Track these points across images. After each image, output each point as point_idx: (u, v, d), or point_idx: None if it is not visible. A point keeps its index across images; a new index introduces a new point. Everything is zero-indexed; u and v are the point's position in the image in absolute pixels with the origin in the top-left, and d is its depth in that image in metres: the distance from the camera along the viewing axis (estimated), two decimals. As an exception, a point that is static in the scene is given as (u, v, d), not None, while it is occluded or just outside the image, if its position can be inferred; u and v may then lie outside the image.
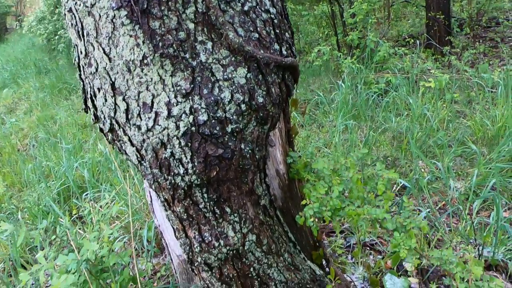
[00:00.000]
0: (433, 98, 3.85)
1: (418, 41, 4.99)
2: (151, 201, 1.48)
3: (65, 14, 1.15)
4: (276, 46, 1.14)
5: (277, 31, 1.15)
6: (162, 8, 1.00)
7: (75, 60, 1.23)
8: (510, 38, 5.62)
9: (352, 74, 4.52)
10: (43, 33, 9.69)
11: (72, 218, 2.54)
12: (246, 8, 1.08)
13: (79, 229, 2.28)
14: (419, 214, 2.17)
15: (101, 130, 1.23)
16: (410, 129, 3.31)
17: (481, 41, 5.59)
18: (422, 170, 2.78)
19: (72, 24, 1.11)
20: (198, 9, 1.03)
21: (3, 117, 6.69)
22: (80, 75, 1.21)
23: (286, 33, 1.21)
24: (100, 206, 2.19)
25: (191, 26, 1.03)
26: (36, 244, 2.25)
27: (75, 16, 1.09)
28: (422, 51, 5.11)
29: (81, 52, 1.14)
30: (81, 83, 1.22)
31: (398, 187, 2.65)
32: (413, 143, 2.91)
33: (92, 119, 1.24)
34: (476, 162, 2.82)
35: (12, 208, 3.17)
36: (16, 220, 2.91)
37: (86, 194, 2.82)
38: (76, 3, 1.06)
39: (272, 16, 1.14)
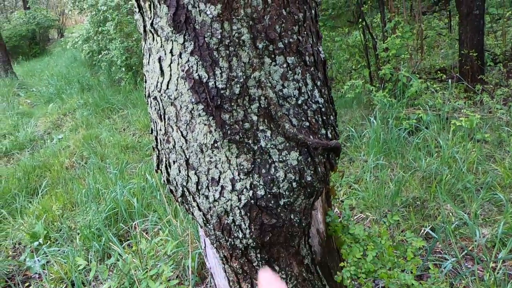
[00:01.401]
0: (463, 138, 3.95)
1: (450, 80, 5.09)
2: (205, 247, 1.70)
3: (148, 97, 1.39)
4: (323, 131, 1.35)
5: (324, 118, 1.36)
6: (232, 104, 1.23)
7: (152, 132, 1.47)
8: (545, 75, 5.63)
9: (384, 110, 4.67)
10: (87, 51, 10.26)
11: (123, 245, 2.79)
12: (299, 101, 1.30)
13: (131, 255, 2.53)
14: (445, 264, 2.31)
15: (171, 191, 1.46)
16: (440, 170, 3.43)
17: (514, 77, 5.63)
18: (450, 214, 2.90)
19: (155, 108, 1.35)
20: (261, 105, 1.25)
21: (50, 131, 7.15)
22: (156, 145, 1.45)
23: (331, 117, 1.41)
24: (150, 236, 2.44)
25: (255, 118, 1.25)
26: (91, 267, 2.51)
27: (159, 103, 1.33)
28: (454, 87, 5.20)
29: (160, 129, 1.38)
30: (157, 152, 1.46)
31: (426, 230, 2.78)
32: (440, 189, 3.04)
33: (164, 181, 1.48)
34: (504, 208, 2.92)
35: (65, 227, 3.48)
36: (70, 240, 3.20)
37: (135, 222, 3.08)
38: (161, 94, 1.30)
39: (320, 105, 1.35)
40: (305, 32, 1.31)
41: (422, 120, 4.41)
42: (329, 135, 1.38)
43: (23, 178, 4.79)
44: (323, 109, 1.36)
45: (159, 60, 1.29)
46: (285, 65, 1.26)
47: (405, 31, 5.31)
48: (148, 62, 1.37)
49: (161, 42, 1.26)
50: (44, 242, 3.32)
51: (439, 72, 5.48)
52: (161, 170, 1.49)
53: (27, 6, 20.95)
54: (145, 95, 1.44)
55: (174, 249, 2.34)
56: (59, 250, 3.12)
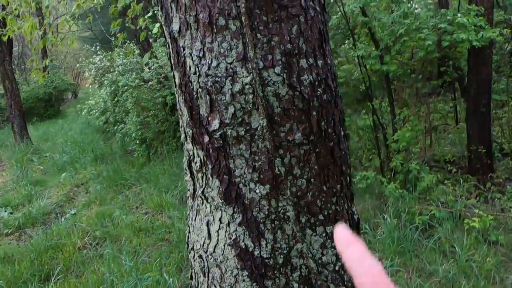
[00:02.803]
0: (477, 239, 3.98)
1: (459, 173, 5.21)
2: None
3: (192, 250, 1.49)
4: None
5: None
6: (275, 272, 1.32)
7: (192, 279, 1.55)
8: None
9: (396, 203, 4.74)
10: (103, 120, 10.61)
11: None
12: (337, 267, 1.38)
13: None
14: None
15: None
16: (457, 277, 3.43)
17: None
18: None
19: (200, 265, 1.44)
20: (302, 273, 1.33)
21: (63, 204, 7.23)
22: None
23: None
24: None
25: (296, 285, 1.33)
26: None
27: (204, 262, 1.42)
28: (464, 179, 5.31)
29: (202, 283, 1.46)
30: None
31: None
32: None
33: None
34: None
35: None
36: None
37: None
38: (207, 255, 1.39)
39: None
40: (341, 201, 1.42)
41: (435, 217, 4.46)
42: None
43: (35, 259, 4.80)
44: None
45: (207, 223, 1.39)
46: (324, 235, 1.36)
47: (414, 124, 5.52)
48: (194, 219, 1.47)
49: (211, 209, 1.38)
50: None
51: (448, 164, 5.61)
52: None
53: (47, 70, 21.91)
54: (188, 247, 1.53)
55: None
56: None
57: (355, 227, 1.48)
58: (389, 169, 5.64)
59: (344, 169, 1.42)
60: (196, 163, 1.38)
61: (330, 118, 1.34)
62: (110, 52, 10.23)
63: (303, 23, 1.24)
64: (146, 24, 3.95)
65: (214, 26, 1.20)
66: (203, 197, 1.39)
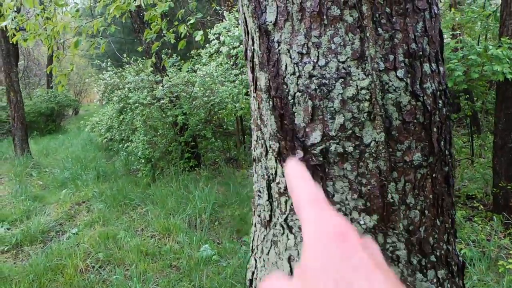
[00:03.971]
0: (516, 284, 3.69)
1: (489, 212, 4.95)
2: None
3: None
4: None
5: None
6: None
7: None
8: None
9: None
10: (107, 137, 10.35)
11: None
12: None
13: None
14: None
15: None
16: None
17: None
18: None
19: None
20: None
21: (63, 222, 6.88)
22: None
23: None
24: None
25: None
26: None
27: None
28: (491, 219, 5.05)
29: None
30: None
31: None
32: None
33: None
34: None
35: None
36: None
37: None
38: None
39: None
40: (452, 239, 1.17)
41: (466, 256, 4.18)
42: None
43: (33, 280, 4.46)
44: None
45: (289, 259, 1.13)
46: (435, 280, 1.10)
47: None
48: (268, 253, 1.21)
49: (295, 241, 1.12)
50: None
51: (474, 201, 5.36)
52: None
53: (51, 85, 21.83)
54: (251, 285, 1.26)
55: None
56: None
57: (461, 271, 1.23)
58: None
59: (453, 200, 1.18)
60: (279, 184, 1.13)
61: (447, 137, 1.10)
62: (121, 69, 10.08)
63: (427, 20, 1.02)
64: (186, 32, 3.76)
65: (325, 17, 0.98)
66: (285, 226, 1.13)
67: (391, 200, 1.02)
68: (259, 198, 1.23)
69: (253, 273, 1.28)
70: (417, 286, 1.08)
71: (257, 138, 1.21)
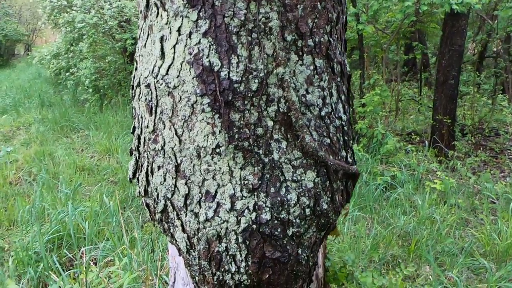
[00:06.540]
0: (437, 201, 3.87)
1: (426, 141, 5.12)
2: (174, 283, 1.39)
3: (137, 86, 1.14)
4: (343, 153, 1.14)
5: (346, 138, 1.16)
6: (246, 102, 1.00)
7: (134, 131, 1.20)
8: (509, 151, 5.80)
9: (359, 163, 4.57)
10: (54, 68, 9.80)
11: (65, 273, 2.38)
12: (323, 113, 1.08)
13: (74, 286, 2.13)
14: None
15: (147, 205, 1.17)
16: (417, 230, 3.29)
17: (481, 149, 5.77)
18: (430, 277, 2.72)
19: (145, 98, 1.10)
20: (280, 108, 1.03)
21: (-2, 144, 6.55)
22: (137, 146, 1.18)
23: (351, 141, 1.21)
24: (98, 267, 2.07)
25: (270, 123, 1.02)
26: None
27: (151, 92, 1.08)
28: (426, 150, 5.24)
29: (147, 126, 1.12)
30: (137, 154, 1.19)
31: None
32: (418, 249, 2.87)
33: (139, 192, 1.19)
34: (483, 276, 2.77)
35: (-4, 248, 2.99)
36: (1, 263, 2.73)
37: (82, 249, 2.67)
38: (157, 81, 1.05)
39: (343, 123, 1.15)
40: (336, 36, 1.12)
41: (396, 177, 4.33)
42: (349, 160, 1.17)
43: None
44: (345, 128, 1.16)
45: (161, 39, 1.05)
46: (312, 67, 1.06)
47: (383, 89, 5.38)
48: (145, 44, 1.13)
49: (168, 18, 1.04)
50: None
51: (412, 134, 5.53)
52: (138, 178, 1.20)
53: (-2, 16, 20.31)
54: (133, 85, 1.19)
55: (131, 284, 1.95)
56: (-16, 273, 2.63)
57: (346, 79, 1.19)
58: (354, 132, 5.48)
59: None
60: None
61: None
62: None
63: None
64: None
65: None
66: (158, 3, 1.05)
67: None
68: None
69: (133, 146, 1.20)
70: (291, 67, 1.03)
71: None
